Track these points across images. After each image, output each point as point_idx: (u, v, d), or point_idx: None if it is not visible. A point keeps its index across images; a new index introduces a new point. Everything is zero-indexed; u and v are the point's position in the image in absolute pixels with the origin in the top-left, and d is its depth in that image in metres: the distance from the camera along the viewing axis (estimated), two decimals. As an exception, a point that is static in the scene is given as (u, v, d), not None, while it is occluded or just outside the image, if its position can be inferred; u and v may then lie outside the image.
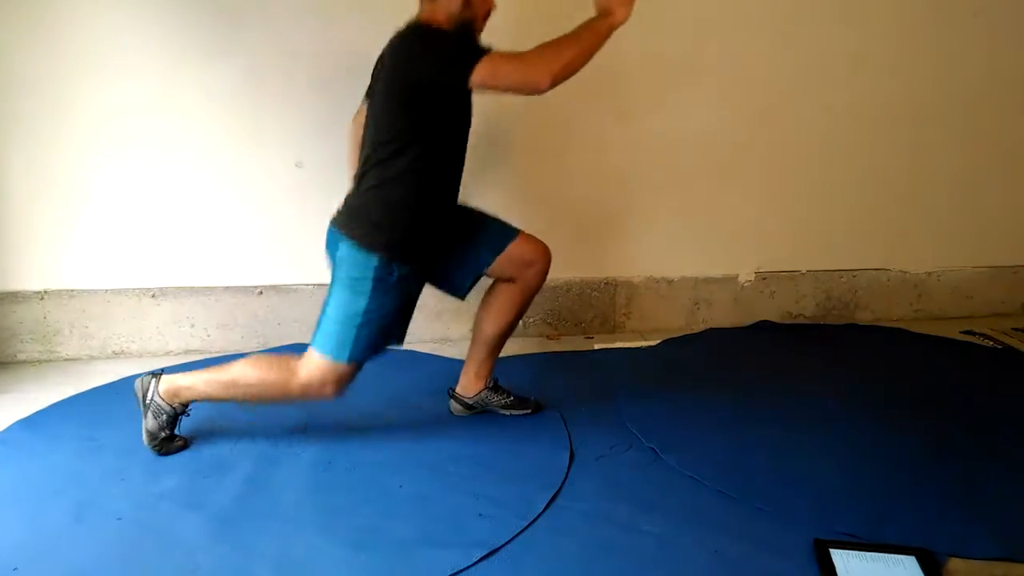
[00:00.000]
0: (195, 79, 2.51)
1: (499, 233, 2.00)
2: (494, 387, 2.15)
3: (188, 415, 1.96)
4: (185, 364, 2.58)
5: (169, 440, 1.93)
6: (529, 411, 2.16)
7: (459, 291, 2.03)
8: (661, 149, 2.80)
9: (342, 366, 1.82)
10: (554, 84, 1.68)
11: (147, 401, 1.91)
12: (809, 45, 2.77)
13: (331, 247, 1.89)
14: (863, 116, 2.87)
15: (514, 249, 1.98)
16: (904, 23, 2.79)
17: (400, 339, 1.95)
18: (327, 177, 2.65)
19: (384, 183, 1.79)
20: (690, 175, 2.85)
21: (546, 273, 2.03)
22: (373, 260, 1.78)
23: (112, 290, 2.64)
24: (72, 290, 2.62)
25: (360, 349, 1.83)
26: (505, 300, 2.03)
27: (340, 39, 2.53)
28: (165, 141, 2.55)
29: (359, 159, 1.88)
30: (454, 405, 2.17)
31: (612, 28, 1.73)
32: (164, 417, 1.90)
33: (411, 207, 1.81)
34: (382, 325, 1.84)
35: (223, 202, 2.63)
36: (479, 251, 1.98)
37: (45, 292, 2.61)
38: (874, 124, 2.89)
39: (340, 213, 1.89)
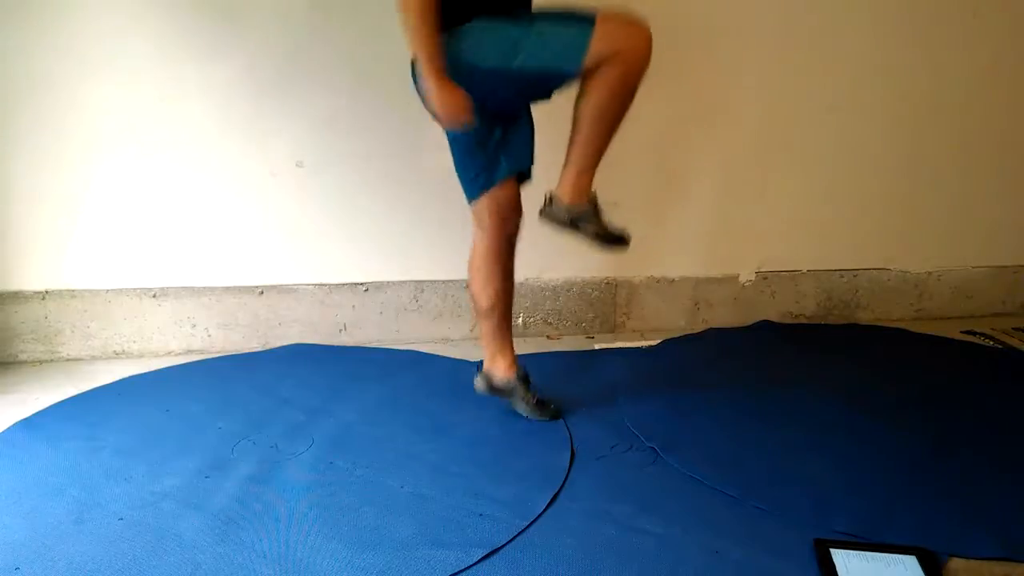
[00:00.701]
0: (195, 79, 2.51)
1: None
2: (524, 379, 2.13)
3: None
4: (185, 364, 2.59)
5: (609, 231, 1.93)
6: (547, 419, 2.13)
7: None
8: (661, 149, 2.80)
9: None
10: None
11: (569, 217, 1.89)
12: (809, 46, 2.77)
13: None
14: (863, 116, 2.87)
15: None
16: (904, 23, 2.79)
17: (513, 120, 1.92)
18: (328, 177, 2.66)
19: None
20: (690, 175, 2.85)
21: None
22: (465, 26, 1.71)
23: (113, 290, 2.65)
24: (73, 290, 2.63)
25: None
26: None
27: (341, 38, 2.53)
28: (166, 141, 2.55)
29: None
30: (479, 382, 2.15)
31: (426, 75, 1.70)
32: (590, 213, 1.88)
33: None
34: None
35: (224, 202, 2.64)
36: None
37: (46, 292, 2.62)
38: (874, 124, 2.89)
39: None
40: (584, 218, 1.95)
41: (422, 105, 1.87)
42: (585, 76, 1.74)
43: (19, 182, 2.52)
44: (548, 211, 1.97)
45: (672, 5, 2.63)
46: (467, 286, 2.11)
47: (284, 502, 1.72)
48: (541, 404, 2.14)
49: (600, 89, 1.75)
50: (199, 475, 1.83)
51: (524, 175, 2.02)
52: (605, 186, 2.79)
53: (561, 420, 2.12)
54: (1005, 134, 2.97)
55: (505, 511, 1.68)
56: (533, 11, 1.86)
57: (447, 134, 1.92)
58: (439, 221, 2.67)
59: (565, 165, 1.92)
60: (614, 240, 2.00)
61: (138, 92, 2.49)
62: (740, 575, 1.48)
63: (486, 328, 2.13)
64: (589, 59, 1.69)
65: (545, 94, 1.86)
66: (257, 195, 2.65)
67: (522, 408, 2.14)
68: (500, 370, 2.13)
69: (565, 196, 1.93)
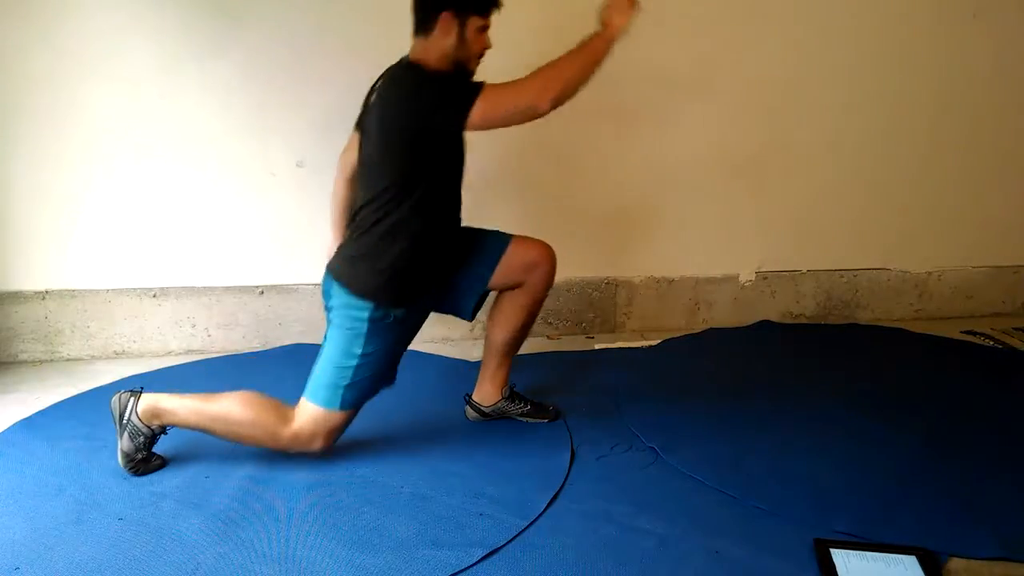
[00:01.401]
0: (196, 79, 2.51)
1: (492, 245, 1.97)
2: (511, 396, 2.12)
3: (166, 433, 1.84)
4: (185, 364, 2.59)
5: (145, 461, 1.82)
6: (547, 419, 2.13)
7: (465, 314, 2.00)
8: (661, 150, 2.80)
9: (335, 415, 1.80)
10: (555, 106, 1.68)
11: (124, 421, 1.78)
12: (810, 46, 2.77)
13: (326, 294, 1.87)
14: (864, 117, 2.87)
15: (512, 256, 1.95)
16: (904, 24, 2.79)
17: (391, 381, 1.92)
18: (328, 177, 2.65)
19: (381, 231, 1.77)
20: (690, 176, 2.85)
21: (551, 274, 1.99)
22: (369, 305, 1.77)
23: (113, 290, 2.65)
24: (73, 290, 2.63)
25: (354, 395, 1.81)
26: (511, 305, 2.00)
27: (341, 38, 2.53)
28: (166, 141, 2.55)
29: (353, 205, 1.87)
30: (470, 412, 2.15)
31: (610, 42, 1.71)
32: (141, 439, 1.79)
33: (410, 253, 1.79)
34: (377, 369, 1.83)
35: (224, 202, 2.64)
36: (477, 270, 1.95)
37: (47, 292, 2.62)
38: (875, 124, 2.89)
39: (335, 260, 1.88)
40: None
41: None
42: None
43: (19, 182, 2.52)
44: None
45: (672, 5, 2.64)
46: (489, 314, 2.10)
47: (284, 502, 1.72)
48: (538, 408, 2.14)
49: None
50: (199, 475, 1.83)
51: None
52: (605, 186, 2.81)
53: (561, 420, 2.12)
54: (1006, 134, 2.97)
55: (505, 511, 1.68)
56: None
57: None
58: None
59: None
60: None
61: (138, 92, 2.49)
62: (740, 575, 1.48)
63: (488, 360, 2.11)
64: (300, 405, 1.82)
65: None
66: (257, 195, 2.65)
67: (520, 418, 2.14)
68: (488, 397, 2.12)
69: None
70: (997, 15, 2.82)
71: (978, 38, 2.83)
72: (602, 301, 2.94)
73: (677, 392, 2.32)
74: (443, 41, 1.73)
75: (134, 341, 2.70)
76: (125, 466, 1.81)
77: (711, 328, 2.95)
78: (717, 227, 2.93)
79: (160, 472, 1.84)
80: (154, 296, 2.68)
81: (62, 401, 2.28)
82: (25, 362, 2.64)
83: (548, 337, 2.90)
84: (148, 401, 1.80)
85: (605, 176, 2.81)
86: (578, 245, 2.85)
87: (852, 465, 1.88)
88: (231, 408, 1.78)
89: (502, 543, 1.56)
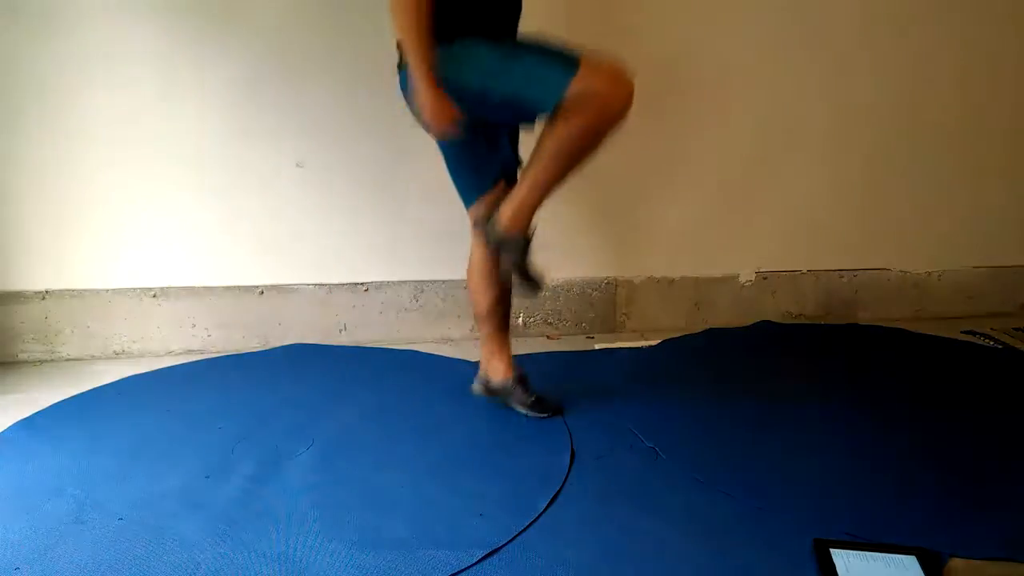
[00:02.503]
0: (196, 79, 2.51)
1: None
2: (520, 379, 2.13)
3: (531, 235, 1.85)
4: (185, 364, 2.59)
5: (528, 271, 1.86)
6: (548, 415, 2.13)
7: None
8: (661, 149, 2.80)
9: (588, 65, 1.66)
10: None
11: (498, 242, 1.83)
12: (810, 46, 2.77)
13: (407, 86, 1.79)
14: (863, 116, 2.87)
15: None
16: (904, 23, 2.79)
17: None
18: (328, 177, 2.66)
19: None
20: (690, 175, 2.85)
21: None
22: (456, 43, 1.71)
23: (113, 290, 2.65)
24: (74, 290, 2.63)
25: (560, 54, 1.69)
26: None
27: (341, 38, 2.53)
28: (166, 141, 2.55)
29: None
30: (477, 386, 2.16)
31: (415, 74, 1.68)
32: (517, 245, 1.83)
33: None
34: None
35: (224, 202, 2.64)
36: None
37: (47, 292, 2.62)
38: (875, 124, 2.89)
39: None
40: (509, 247, 1.90)
41: (410, 112, 1.87)
42: (561, 111, 1.70)
43: (19, 182, 2.52)
44: (483, 226, 1.95)
45: (672, 5, 2.64)
46: (466, 289, 2.11)
47: (284, 502, 1.72)
48: (540, 401, 2.14)
49: (569, 127, 1.71)
50: (199, 475, 1.83)
51: (512, 178, 1.99)
52: (605, 185, 2.81)
53: (561, 420, 2.12)
54: (1006, 134, 2.97)
55: (505, 511, 1.68)
56: (520, 40, 1.84)
57: (437, 143, 1.92)
58: (439, 221, 2.66)
59: (515, 188, 1.88)
60: (528, 280, 1.94)
61: (138, 92, 2.49)
62: (740, 575, 1.48)
63: (484, 331, 2.14)
64: (568, 98, 1.66)
65: (526, 122, 1.86)
66: (257, 195, 2.65)
67: (521, 407, 2.14)
68: (498, 372, 2.13)
69: (504, 219, 1.88)
70: (998, 14, 2.82)
71: (978, 38, 2.83)
72: (602, 301, 2.94)
73: (677, 392, 2.32)
74: None
75: (134, 341, 2.70)
76: (515, 281, 1.89)
77: (711, 328, 2.95)
78: (717, 227, 2.93)
79: (160, 472, 1.85)
80: (154, 296, 2.68)
81: (62, 401, 2.28)
82: (25, 362, 2.64)
83: (548, 337, 2.90)
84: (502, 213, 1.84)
85: (605, 176, 2.81)
86: (578, 245, 2.86)
87: (852, 465, 1.88)
88: (548, 145, 1.73)
89: (502, 543, 1.56)
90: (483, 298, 2.06)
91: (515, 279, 1.92)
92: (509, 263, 1.90)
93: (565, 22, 2.61)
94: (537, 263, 1.95)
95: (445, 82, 1.73)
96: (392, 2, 1.67)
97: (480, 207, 1.99)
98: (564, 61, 1.69)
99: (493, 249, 1.94)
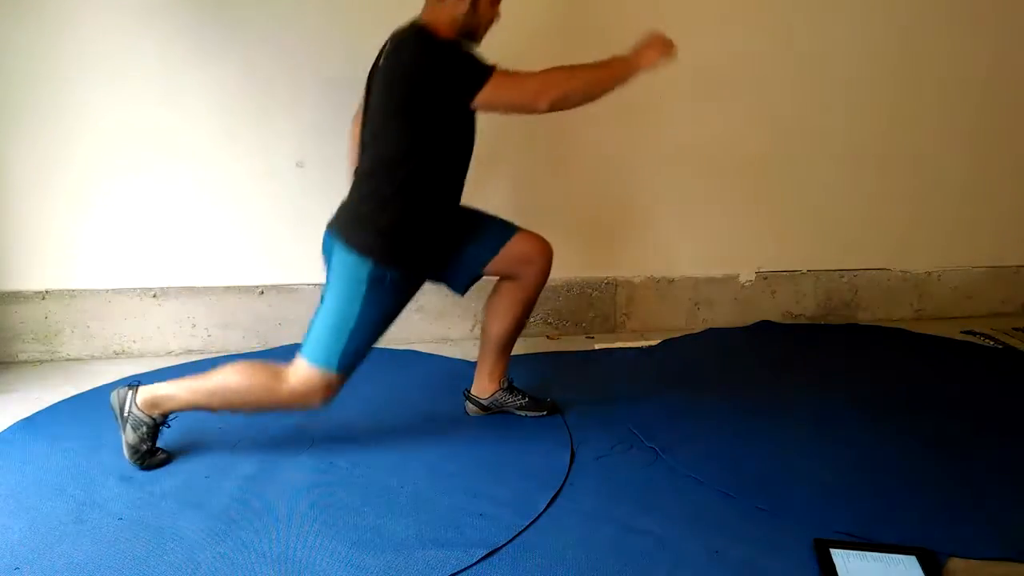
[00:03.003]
0: (196, 79, 2.51)
1: (497, 231, 1.99)
2: (509, 388, 2.14)
3: (169, 426, 1.87)
4: (185, 364, 2.59)
5: (151, 453, 1.84)
6: (545, 412, 2.14)
7: (457, 289, 2.02)
8: (662, 149, 2.80)
9: (332, 375, 1.80)
10: (551, 110, 1.70)
11: (125, 414, 1.81)
12: (811, 46, 2.77)
13: (327, 251, 1.88)
14: (864, 117, 2.87)
15: (513, 247, 1.96)
16: (906, 24, 2.79)
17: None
18: (328, 177, 2.65)
19: (384, 194, 1.78)
20: (691, 175, 2.85)
21: (546, 271, 2.01)
22: (368, 264, 1.77)
23: (113, 290, 2.65)
24: (74, 290, 2.63)
25: (350, 357, 1.81)
26: (507, 299, 2.02)
27: (342, 38, 2.53)
28: (166, 141, 2.55)
29: (358, 167, 1.88)
30: (469, 406, 2.16)
31: (633, 70, 1.75)
32: (144, 429, 1.81)
33: (410, 219, 1.80)
34: (373, 331, 1.83)
35: (224, 202, 2.64)
36: (478, 250, 1.97)
37: (47, 292, 2.62)
38: (874, 125, 2.89)
39: (337, 217, 1.88)
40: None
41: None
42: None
43: (20, 182, 2.51)
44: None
45: (673, 5, 2.64)
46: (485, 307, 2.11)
47: (284, 502, 1.72)
48: (535, 401, 2.15)
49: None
50: (199, 475, 1.83)
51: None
52: (606, 185, 2.81)
53: (562, 420, 2.12)
54: (1007, 134, 2.97)
55: (505, 511, 1.68)
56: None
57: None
58: (439, 221, 2.66)
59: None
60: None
61: (139, 92, 2.49)
62: (740, 575, 1.48)
63: (487, 351, 2.12)
64: (299, 359, 1.83)
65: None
66: (257, 195, 2.64)
67: (518, 412, 2.15)
68: (486, 391, 2.14)
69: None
70: (999, 14, 2.82)
71: (978, 39, 2.83)
72: (602, 301, 2.94)
73: (677, 392, 2.32)
74: (457, 7, 1.74)
75: (134, 341, 2.70)
76: (132, 459, 1.83)
77: (711, 328, 2.95)
78: (717, 227, 2.93)
79: (160, 472, 1.85)
80: (154, 296, 2.67)
81: (62, 401, 2.28)
82: (25, 362, 2.64)
83: (548, 337, 2.90)
84: (146, 392, 1.83)
85: (605, 176, 2.81)
86: (578, 245, 2.85)
87: (852, 465, 1.88)
88: (226, 378, 1.82)
89: (502, 543, 1.56)
90: (497, 325, 2.06)
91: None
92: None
93: (566, 9, 2.62)
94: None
95: (329, 267, 1.87)
96: (581, 91, 1.75)
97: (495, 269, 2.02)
98: (341, 360, 1.80)
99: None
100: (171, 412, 1.85)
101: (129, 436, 1.82)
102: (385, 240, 1.78)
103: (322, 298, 1.84)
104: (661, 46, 1.77)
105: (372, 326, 1.81)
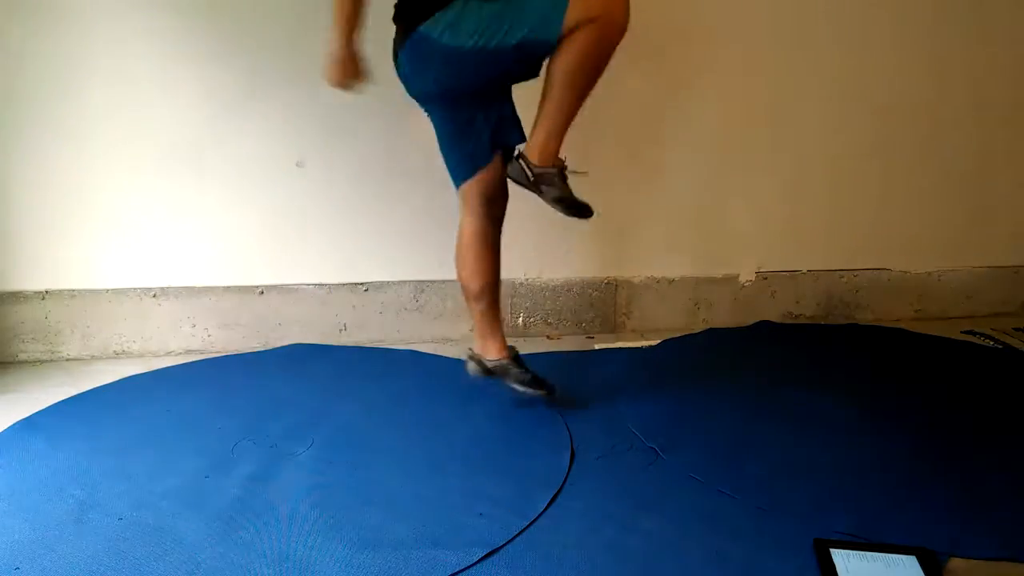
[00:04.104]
0: (196, 79, 2.51)
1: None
2: (515, 358, 2.14)
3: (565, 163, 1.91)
4: (185, 364, 2.59)
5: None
6: (544, 392, 2.12)
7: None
8: (661, 149, 2.80)
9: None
10: None
11: (532, 177, 1.87)
12: (811, 46, 2.77)
13: (403, 74, 1.91)
14: (864, 116, 2.87)
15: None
16: (907, 24, 2.79)
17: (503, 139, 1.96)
18: (328, 176, 2.66)
19: None
20: (691, 175, 2.85)
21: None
22: (427, 23, 1.76)
23: (113, 290, 2.65)
24: (73, 290, 2.63)
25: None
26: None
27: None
28: (166, 140, 2.55)
29: None
30: (472, 365, 2.16)
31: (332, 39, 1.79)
32: (555, 177, 1.87)
33: None
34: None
35: (224, 201, 2.64)
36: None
37: (46, 292, 2.62)
38: (875, 124, 2.89)
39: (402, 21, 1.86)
40: (548, 181, 1.93)
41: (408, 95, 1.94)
42: (561, 40, 1.74)
43: (19, 182, 2.52)
44: (514, 168, 1.96)
45: (673, 6, 2.64)
46: (456, 271, 2.11)
47: (284, 502, 1.71)
48: (536, 379, 2.14)
49: (573, 52, 1.75)
50: (199, 475, 1.83)
51: (510, 152, 2.01)
52: (605, 185, 2.81)
53: (561, 419, 2.12)
54: (1006, 135, 2.97)
55: (505, 511, 1.68)
56: None
57: (433, 121, 1.94)
58: (439, 221, 2.66)
59: (535, 126, 1.90)
60: (576, 206, 1.97)
61: (138, 92, 2.49)
62: (740, 575, 1.48)
63: (477, 311, 2.13)
64: (566, 24, 1.70)
65: (530, 70, 1.87)
66: (257, 195, 2.64)
67: (518, 384, 2.13)
68: (492, 352, 2.14)
69: (533, 157, 1.92)
70: (1000, 15, 2.82)
71: (978, 39, 2.83)
72: (602, 301, 2.94)
73: (677, 392, 2.32)
74: None
75: (134, 341, 2.70)
76: (568, 208, 1.93)
77: (711, 328, 2.95)
78: (717, 227, 2.93)
79: (160, 472, 1.84)
80: (154, 296, 2.68)
81: (62, 401, 2.28)
82: (25, 362, 2.64)
83: (548, 337, 2.90)
84: (528, 150, 1.89)
85: (605, 176, 2.81)
86: (578, 245, 2.86)
87: (852, 465, 1.88)
88: (561, 74, 1.79)
89: (502, 543, 1.56)
90: (476, 278, 2.06)
91: (564, 209, 1.96)
92: (553, 196, 1.93)
93: None
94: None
95: (442, 51, 1.78)
96: None
97: (476, 183, 1.98)
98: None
99: (532, 188, 1.95)
100: (556, 153, 1.88)
101: (552, 193, 1.89)
102: None
103: (507, 43, 1.75)
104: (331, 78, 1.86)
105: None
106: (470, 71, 1.81)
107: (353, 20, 1.82)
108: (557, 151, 1.92)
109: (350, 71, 1.89)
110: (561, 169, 1.93)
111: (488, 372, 2.15)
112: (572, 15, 1.70)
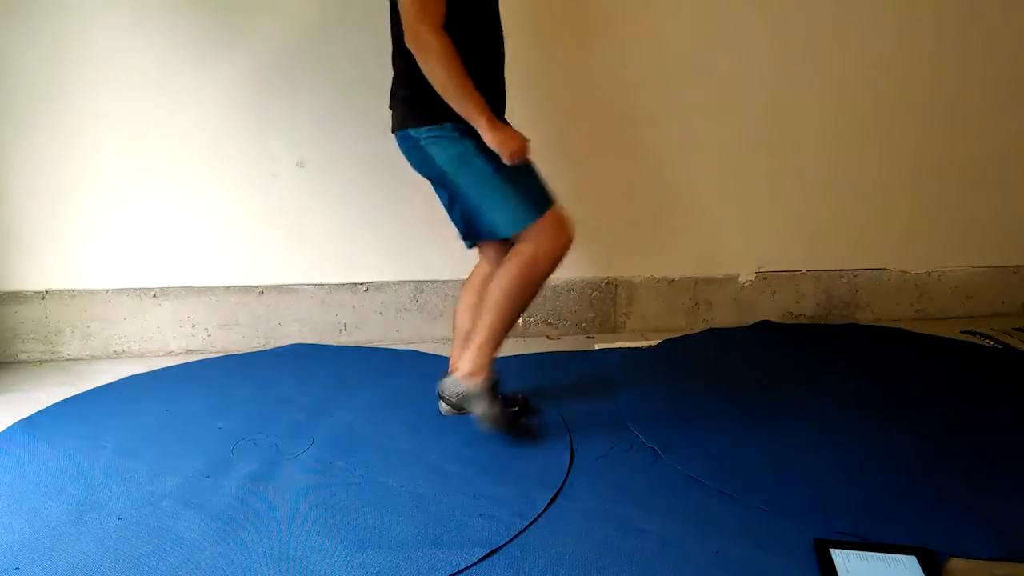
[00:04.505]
0: (196, 79, 2.51)
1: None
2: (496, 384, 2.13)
3: (499, 377, 1.96)
4: (185, 364, 2.59)
5: (508, 417, 1.96)
6: (515, 408, 2.11)
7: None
8: (661, 149, 2.80)
9: (548, 215, 1.84)
10: (413, 44, 1.71)
11: (462, 398, 1.92)
12: (810, 46, 2.77)
13: (410, 151, 1.90)
14: (864, 116, 2.87)
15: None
16: (905, 24, 2.79)
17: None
18: (328, 176, 2.66)
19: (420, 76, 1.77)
20: (690, 175, 2.85)
21: (556, 254, 1.94)
22: (448, 125, 1.80)
23: (113, 290, 2.65)
24: (73, 290, 2.63)
25: (535, 191, 1.84)
26: (481, 294, 2.01)
27: (342, 38, 2.53)
28: (167, 141, 2.55)
29: (394, 62, 1.89)
30: (443, 405, 2.14)
31: (480, 124, 1.76)
32: (481, 393, 1.91)
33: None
34: (509, 167, 1.82)
35: (224, 202, 2.64)
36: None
37: (47, 292, 2.62)
38: (875, 124, 2.89)
39: (399, 110, 1.90)
40: (478, 399, 1.93)
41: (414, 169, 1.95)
42: (509, 242, 1.90)
43: (19, 182, 2.52)
44: (442, 406, 2.10)
45: (674, 6, 2.64)
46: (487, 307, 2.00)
47: (284, 502, 1.72)
48: (507, 399, 2.11)
49: (513, 269, 1.87)
50: (199, 475, 1.83)
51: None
52: (605, 186, 2.81)
53: (561, 420, 2.12)
54: (1006, 134, 2.97)
55: (505, 511, 1.68)
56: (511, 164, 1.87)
57: (487, 158, 1.85)
58: (439, 221, 2.64)
59: (471, 339, 1.98)
60: (515, 426, 2.02)
61: (139, 92, 2.50)
62: (740, 575, 1.48)
63: (495, 343, 1.98)
64: (522, 236, 1.86)
65: (472, 231, 1.99)
66: (257, 195, 2.65)
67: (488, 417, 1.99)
68: (475, 382, 1.97)
69: (464, 371, 1.96)
70: (998, 16, 2.82)
71: (978, 38, 2.83)
72: (602, 301, 2.94)
73: (677, 392, 2.32)
74: None
75: (134, 341, 2.70)
76: (497, 428, 1.94)
77: (711, 328, 2.95)
78: (717, 227, 2.93)
79: (160, 472, 1.85)
80: (154, 296, 2.68)
81: (62, 401, 2.28)
82: (25, 362, 2.64)
83: (548, 337, 2.90)
84: (459, 370, 1.94)
85: (605, 176, 2.81)
86: (578, 245, 2.83)
87: (852, 465, 1.88)
88: (493, 291, 1.88)
89: (502, 543, 1.56)
90: (470, 320, 2.04)
91: (499, 429, 1.98)
92: (484, 415, 1.94)
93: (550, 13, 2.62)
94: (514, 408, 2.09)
95: (431, 161, 1.86)
96: (439, 74, 1.72)
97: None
98: (535, 201, 1.85)
99: (456, 408, 2.06)
100: (490, 364, 1.92)
101: (481, 410, 1.91)
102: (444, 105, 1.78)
103: (456, 189, 1.87)
104: (516, 147, 1.79)
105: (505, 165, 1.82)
106: (435, 185, 1.98)
107: (482, 99, 1.78)
108: (489, 367, 1.95)
109: (518, 135, 1.83)
110: (494, 386, 1.97)
111: (459, 409, 2.08)
112: (533, 230, 1.84)
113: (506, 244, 1.97)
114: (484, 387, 1.93)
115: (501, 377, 2.13)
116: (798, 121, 2.85)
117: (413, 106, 1.85)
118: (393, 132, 1.93)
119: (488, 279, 2.01)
